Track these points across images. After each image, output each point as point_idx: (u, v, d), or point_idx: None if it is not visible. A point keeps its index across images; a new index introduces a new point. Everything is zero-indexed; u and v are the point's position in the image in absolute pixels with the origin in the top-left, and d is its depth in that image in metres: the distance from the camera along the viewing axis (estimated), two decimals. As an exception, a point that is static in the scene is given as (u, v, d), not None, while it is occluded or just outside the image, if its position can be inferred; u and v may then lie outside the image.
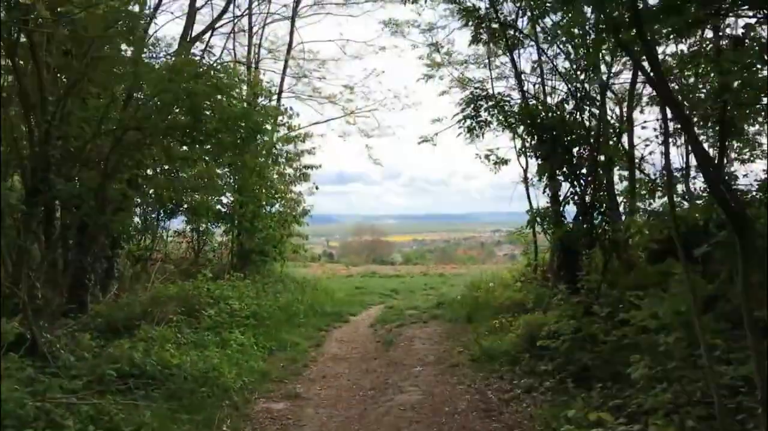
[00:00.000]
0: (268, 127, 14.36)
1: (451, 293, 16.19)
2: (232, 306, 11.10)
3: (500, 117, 10.47)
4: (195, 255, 15.75)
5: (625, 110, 11.43)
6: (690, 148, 8.24)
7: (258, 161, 14.88)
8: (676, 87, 8.96)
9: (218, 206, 15.51)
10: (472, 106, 10.66)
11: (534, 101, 10.59)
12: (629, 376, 6.09)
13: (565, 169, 9.24)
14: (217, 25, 14.70)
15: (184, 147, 11.00)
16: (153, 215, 14.48)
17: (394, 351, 10.28)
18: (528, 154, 11.92)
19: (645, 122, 11.49)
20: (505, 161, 12.37)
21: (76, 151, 9.51)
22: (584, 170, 9.25)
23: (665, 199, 8.32)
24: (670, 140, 9.15)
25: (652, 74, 4.64)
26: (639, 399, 5.90)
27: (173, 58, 10.24)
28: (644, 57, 4.77)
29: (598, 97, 9.73)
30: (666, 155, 5.97)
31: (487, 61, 13.85)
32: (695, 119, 8.88)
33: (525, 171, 12.76)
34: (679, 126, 8.49)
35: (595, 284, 8.43)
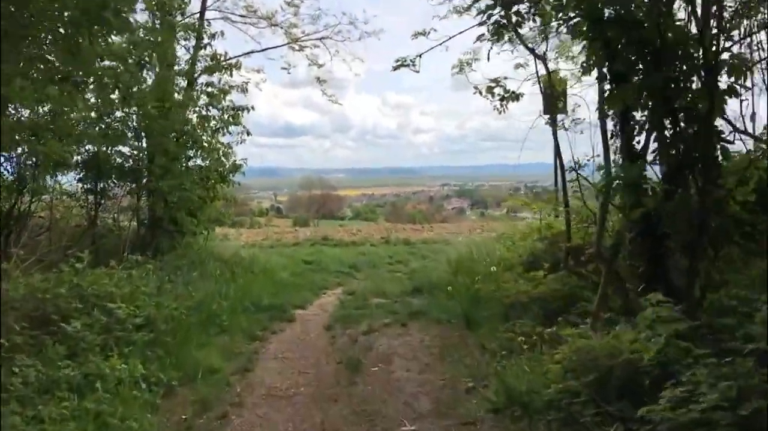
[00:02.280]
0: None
1: (425, 271, 12.45)
2: (116, 312, 7.10)
3: (547, 8, 6.59)
4: (88, 226, 11.51)
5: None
6: None
7: (165, 91, 10.72)
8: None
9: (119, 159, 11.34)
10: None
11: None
12: None
13: (651, 101, 5.38)
14: None
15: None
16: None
17: (364, 385, 6.49)
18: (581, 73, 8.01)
19: None
20: (516, 96, 8.54)
21: None
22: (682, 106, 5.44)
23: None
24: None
25: None
26: None
27: None
28: None
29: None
30: None
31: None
32: None
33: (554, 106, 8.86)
34: None
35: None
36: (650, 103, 5.27)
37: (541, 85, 9.33)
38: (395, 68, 8.45)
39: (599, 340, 5.60)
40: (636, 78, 5.29)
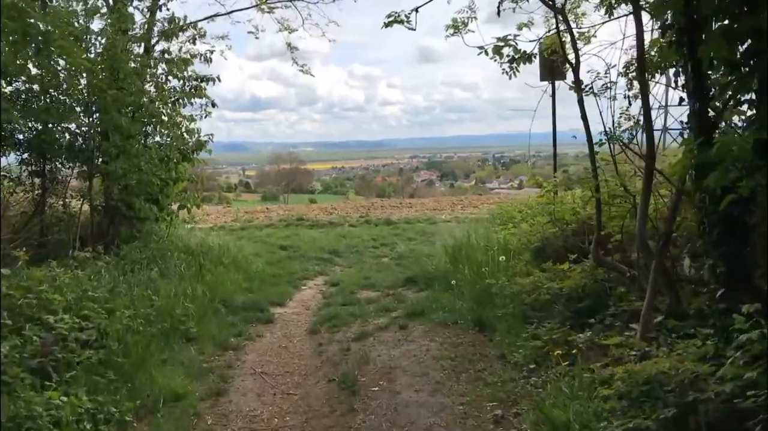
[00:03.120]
0: None
1: (415, 257, 11.21)
2: (56, 326, 5.73)
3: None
4: (33, 213, 9.97)
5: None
6: None
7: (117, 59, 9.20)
8: None
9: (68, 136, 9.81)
10: None
11: None
12: None
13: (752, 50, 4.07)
14: None
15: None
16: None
17: (365, 412, 5.23)
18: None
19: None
20: (528, 57, 7.22)
21: None
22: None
23: None
24: None
25: None
26: None
27: None
28: None
29: None
30: None
31: None
32: None
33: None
34: None
35: None
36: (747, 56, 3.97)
37: (540, 46, 7.99)
38: (387, 25, 7.05)
39: (658, 354, 4.44)
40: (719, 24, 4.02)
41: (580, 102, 6.37)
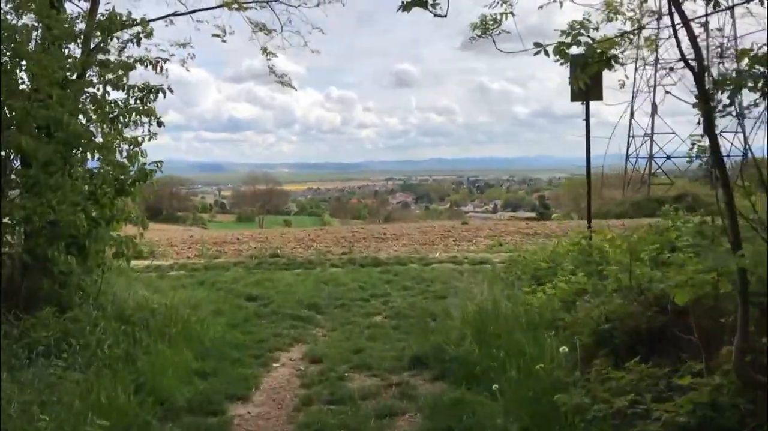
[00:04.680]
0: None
1: (416, 313, 8.78)
2: None
3: None
4: None
5: None
6: None
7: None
8: None
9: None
10: None
11: None
12: None
13: None
14: None
15: None
16: None
17: None
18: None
19: None
20: (608, 61, 4.88)
21: None
22: None
23: None
24: None
25: None
26: None
27: None
28: None
29: None
30: None
31: None
32: None
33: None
34: None
35: None
36: None
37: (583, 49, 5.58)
38: (405, 7, 4.70)
39: None
40: None
41: (708, 117, 4.02)
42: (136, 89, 8.22)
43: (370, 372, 6.80)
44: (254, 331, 8.46)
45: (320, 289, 11.06)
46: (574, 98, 9.19)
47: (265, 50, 11.08)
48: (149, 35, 8.27)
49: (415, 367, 6.77)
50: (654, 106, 41.60)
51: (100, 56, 7.96)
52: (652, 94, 41.83)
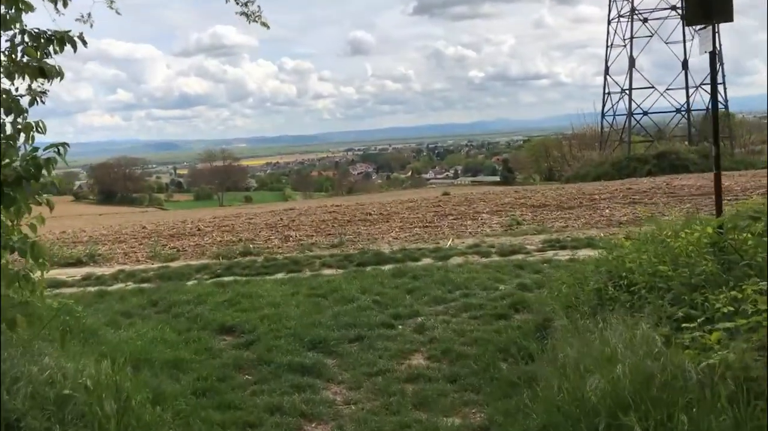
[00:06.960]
0: None
1: (471, 345, 5.71)
2: None
3: None
4: None
5: None
6: None
7: None
8: None
9: None
10: None
11: None
12: None
13: None
14: None
15: None
16: None
17: None
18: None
19: None
20: None
21: None
22: None
23: None
24: None
25: None
26: None
27: None
28: None
29: None
30: None
31: None
32: None
33: None
34: None
35: None
36: None
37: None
38: None
39: None
40: None
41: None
42: (25, 35, 4.79)
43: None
44: (237, 404, 5.22)
45: (320, 309, 7.81)
46: (690, 20, 6.08)
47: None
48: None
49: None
50: (631, 60, 39.06)
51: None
52: (628, 47, 39.31)
